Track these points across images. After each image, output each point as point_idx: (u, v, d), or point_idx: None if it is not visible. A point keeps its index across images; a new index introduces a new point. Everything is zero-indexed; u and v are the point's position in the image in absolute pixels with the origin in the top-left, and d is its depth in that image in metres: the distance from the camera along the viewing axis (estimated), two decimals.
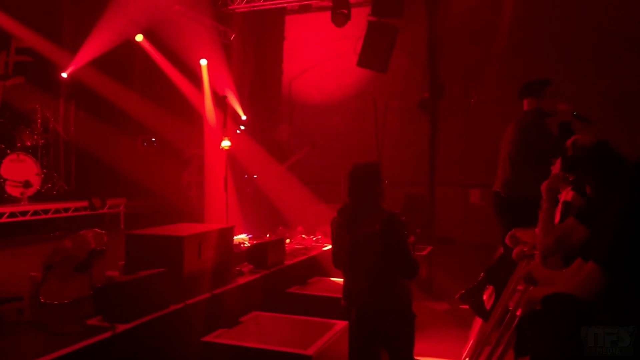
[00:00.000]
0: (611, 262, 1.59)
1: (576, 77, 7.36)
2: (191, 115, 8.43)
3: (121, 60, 8.23)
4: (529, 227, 3.82)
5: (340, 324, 3.81)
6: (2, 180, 6.73)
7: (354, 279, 3.39)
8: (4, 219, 6.19)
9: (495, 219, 4.79)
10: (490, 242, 5.51)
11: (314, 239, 6.06)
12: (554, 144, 3.92)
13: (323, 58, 9.48)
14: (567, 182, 3.17)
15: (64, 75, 7.89)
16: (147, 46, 8.06)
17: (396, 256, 3.22)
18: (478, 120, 8.71)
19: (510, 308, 3.23)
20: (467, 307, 4.64)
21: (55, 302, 3.55)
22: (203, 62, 8.29)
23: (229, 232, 4.51)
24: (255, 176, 8.05)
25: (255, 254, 4.80)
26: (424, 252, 6.59)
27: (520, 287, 3.35)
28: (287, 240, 5.78)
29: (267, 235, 5.73)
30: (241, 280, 4.44)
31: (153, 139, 8.72)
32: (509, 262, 3.76)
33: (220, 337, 3.48)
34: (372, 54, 7.83)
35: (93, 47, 7.53)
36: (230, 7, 8.89)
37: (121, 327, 3.11)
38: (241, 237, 5.70)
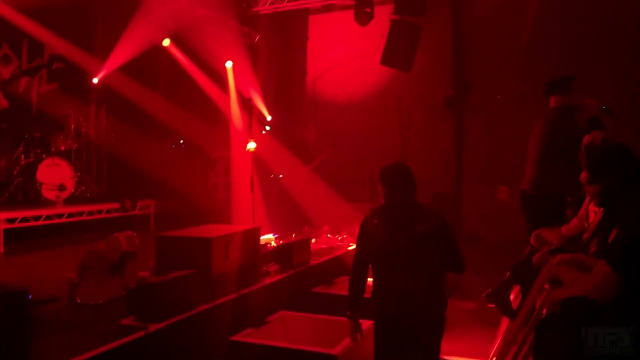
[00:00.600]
0: (624, 265, 1.60)
1: (603, 73, 7.20)
2: (217, 117, 8.56)
3: (149, 65, 8.42)
4: (555, 226, 3.77)
5: (366, 324, 3.84)
6: (39, 184, 6.96)
7: (407, 281, 3.15)
8: (41, 222, 6.41)
9: (523, 217, 4.74)
10: (518, 240, 5.45)
11: (339, 238, 6.10)
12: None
13: (346, 57, 9.49)
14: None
15: (95, 81, 8.13)
16: (174, 50, 8.22)
17: (451, 252, 3.26)
18: (503, 117, 8.59)
19: (537, 307, 3.21)
20: (493, 306, 4.60)
21: (91, 303, 3.69)
22: (228, 64, 8.40)
23: (255, 233, 4.58)
24: (280, 176, 8.13)
25: (281, 254, 4.87)
26: None
27: (547, 286, 3.33)
28: (313, 240, 5.83)
29: (293, 235, 5.80)
30: (268, 280, 4.51)
31: (181, 142, 8.89)
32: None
33: (249, 336, 3.55)
34: (396, 53, 7.80)
35: (122, 53, 7.73)
36: (254, 9, 8.98)
37: (153, 327, 3.21)
38: (267, 237, 5.78)
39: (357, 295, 3.26)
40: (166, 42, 8.09)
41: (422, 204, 3.26)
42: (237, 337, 3.55)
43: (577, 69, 5.42)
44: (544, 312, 2.78)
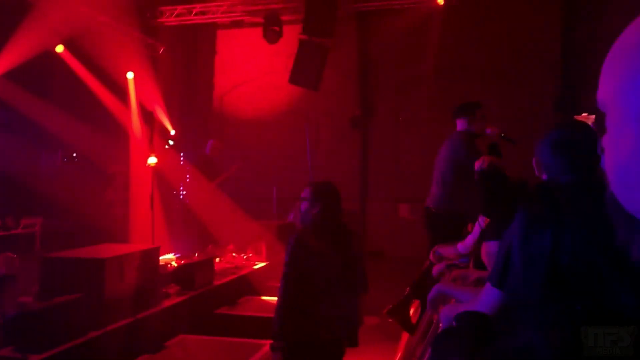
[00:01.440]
0: (495, 280, 1.72)
1: (495, 97, 7.78)
2: (116, 130, 8.10)
3: (40, 73, 7.79)
4: (452, 242, 3.95)
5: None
6: None
7: (342, 302, 3.02)
8: None
9: (425, 233, 4.94)
10: (419, 256, 5.66)
11: (245, 257, 5.97)
12: None
13: (256, 74, 9.45)
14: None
15: None
16: (69, 57, 7.68)
17: (362, 272, 3.24)
18: (407, 138, 8.99)
19: (434, 321, 3.31)
20: (394, 321, 4.71)
21: None
22: (130, 75, 8.02)
23: (154, 253, 4.35)
24: (184, 193, 7.84)
25: (182, 274, 4.66)
26: None
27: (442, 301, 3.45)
28: (217, 259, 5.65)
29: (196, 255, 5.57)
30: (167, 303, 4.29)
31: (74, 155, 8.28)
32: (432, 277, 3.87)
33: None
34: (304, 72, 7.90)
35: (8, 59, 7.08)
36: (159, 20, 8.69)
37: (34, 358, 2.90)
38: (168, 257, 5.50)
39: (288, 321, 2.92)
40: (59, 49, 7.55)
41: (344, 223, 3.24)
42: None
43: (474, 94, 5.80)
44: (440, 326, 2.87)
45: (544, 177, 1.73)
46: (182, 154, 8.42)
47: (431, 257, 4.04)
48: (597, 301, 1.05)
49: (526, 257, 1.23)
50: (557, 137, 1.70)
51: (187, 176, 7.97)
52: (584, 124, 1.82)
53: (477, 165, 3.48)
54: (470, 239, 3.80)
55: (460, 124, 4.77)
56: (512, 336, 1.11)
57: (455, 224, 4.56)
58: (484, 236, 2.91)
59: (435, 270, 3.62)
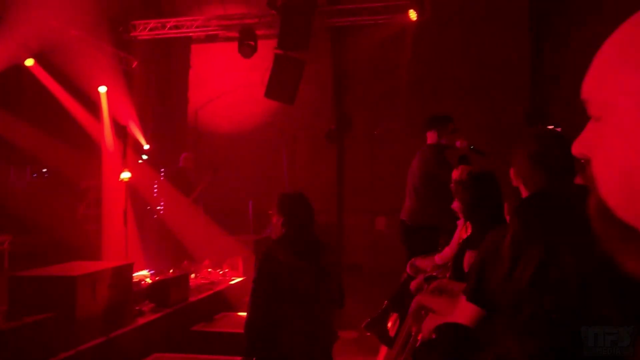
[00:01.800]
0: (470, 295, 1.74)
1: (476, 112, 7.93)
2: (88, 144, 7.94)
3: (9, 86, 7.62)
4: (429, 255, 3.98)
5: None
6: None
7: (315, 317, 2.95)
8: None
9: (401, 246, 4.96)
10: (397, 269, 5.68)
11: (221, 272, 5.89)
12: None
13: (231, 88, 9.42)
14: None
15: None
16: (39, 71, 7.54)
17: (339, 285, 3.17)
18: (383, 151, 9.06)
19: (413, 334, 3.31)
20: (372, 334, 4.70)
21: None
22: (102, 89, 7.90)
23: (128, 269, 4.26)
24: (158, 208, 7.71)
25: (156, 291, 4.57)
26: None
27: (423, 313, 3.46)
28: (192, 275, 5.56)
29: (171, 271, 5.47)
30: (141, 321, 4.19)
31: (44, 170, 8.09)
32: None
33: None
34: (279, 86, 7.92)
35: None
36: (132, 34, 8.61)
37: None
38: (142, 274, 5.39)
39: (259, 338, 2.84)
40: (29, 62, 7.40)
41: (317, 236, 3.18)
42: None
43: (451, 107, 5.89)
44: (419, 338, 2.87)
45: (521, 187, 1.76)
46: (162, 170, 8.30)
47: (408, 269, 4.06)
48: (578, 313, 1.06)
49: (514, 268, 1.24)
50: (536, 149, 1.73)
51: (155, 188, 7.86)
52: (559, 134, 1.86)
53: (456, 175, 3.52)
54: (447, 250, 3.84)
55: (431, 137, 4.84)
56: (492, 346, 1.11)
57: (431, 237, 4.61)
58: (466, 245, 2.93)
59: (414, 284, 3.63)
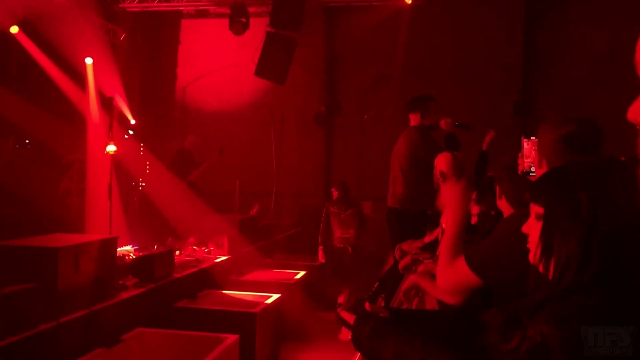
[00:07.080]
0: (472, 264, 1.73)
1: (460, 97, 7.90)
2: (73, 116, 7.77)
3: None
4: (415, 240, 3.98)
5: (231, 338, 3.68)
6: None
7: None
8: None
9: (388, 232, 4.94)
10: (384, 252, 5.68)
11: (206, 250, 5.84)
12: None
13: (220, 66, 9.27)
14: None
15: None
16: (24, 39, 7.33)
17: None
18: (372, 136, 9.02)
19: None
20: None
21: None
22: (88, 60, 7.72)
23: (112, 243, 4.20)
24: (143, 184, 7.61)
25: (140, 266, 4.51)
26: (317, 263, 6.71)
27: (413, 292, 3.46)
28: (177, 252, 5.51)
29: (155, 247, 5.41)
30: (124, 295, 4.14)
31: (27, 141, 7.91)
32: (398, 273, 3.89)
33: (99, 357, 3.20)
34: (270, 65, 7.81)
35: None
36: (121, 5, 8.41)
37: None
38: (126, 249, 5.32)
39: None
40: (14, 29, 7.19)
41: None
42: (85, 359, 3.16)
43: (443, 93, 5.84)
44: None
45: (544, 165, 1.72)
46: (141, 145, 8.19)
47: (396, 255, 4.05)
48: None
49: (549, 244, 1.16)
50: (571, 132, 1.69)
51: (147, 166, 7.78)
52: (593, 122, 1.80)
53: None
54: (433, 236, 3.84)
55: (414, 119, 4.79)
56: (516, 330, 1.07)
57: (417, 221, 4.58)
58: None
59: (402, 264, 3.63)
